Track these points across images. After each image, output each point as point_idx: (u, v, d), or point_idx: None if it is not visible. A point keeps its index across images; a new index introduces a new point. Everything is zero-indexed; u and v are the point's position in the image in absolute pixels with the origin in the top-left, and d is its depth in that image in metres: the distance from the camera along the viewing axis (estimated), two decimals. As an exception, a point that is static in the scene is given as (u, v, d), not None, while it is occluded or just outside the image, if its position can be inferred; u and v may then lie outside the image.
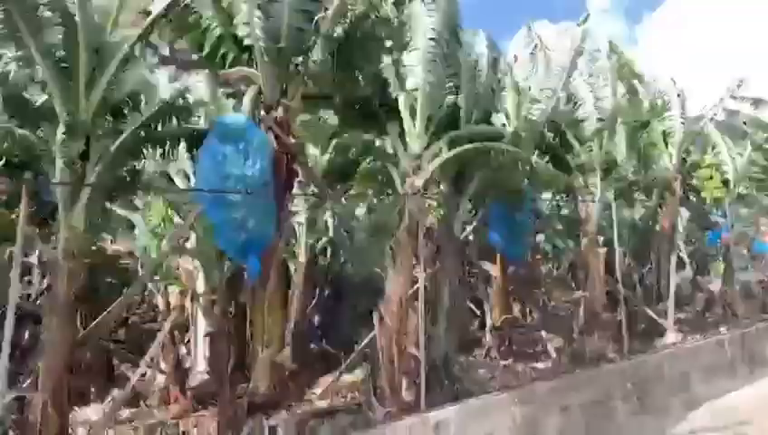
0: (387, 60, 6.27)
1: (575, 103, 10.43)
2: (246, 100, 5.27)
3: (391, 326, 5.75)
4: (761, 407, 8.56)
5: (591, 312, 8.98)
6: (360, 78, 6.19)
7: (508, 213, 9.60)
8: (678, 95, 12.84)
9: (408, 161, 6.36)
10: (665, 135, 12.19)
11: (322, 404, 6.27)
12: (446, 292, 6.92)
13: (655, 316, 9.91)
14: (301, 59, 5.52)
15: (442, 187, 7.52)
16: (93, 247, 7.00)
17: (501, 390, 6.81)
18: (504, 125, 9.84)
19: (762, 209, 17.85)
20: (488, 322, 10.09)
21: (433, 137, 6.72)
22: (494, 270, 10.18)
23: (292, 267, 9.08)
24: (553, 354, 9.64)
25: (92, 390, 7.18)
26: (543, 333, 10.26)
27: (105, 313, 5.61)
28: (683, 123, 11.98)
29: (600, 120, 10.08)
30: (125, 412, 6.54)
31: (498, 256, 10.25)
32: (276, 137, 5.33)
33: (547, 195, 11.30)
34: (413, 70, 6.39)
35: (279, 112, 5.37)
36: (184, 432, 5.87)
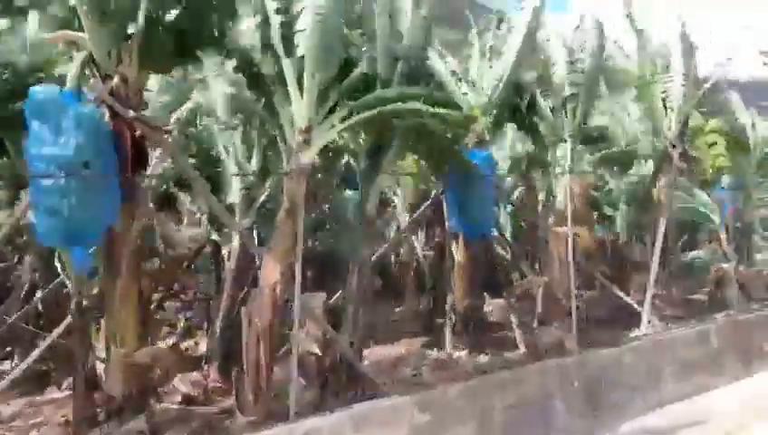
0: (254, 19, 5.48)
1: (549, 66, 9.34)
2: (72, 68, 4.62)
3: (261, 322, 5.08)
4: (748, 408, 7.51)
5: (552, 298, 8.03)
6: (225, 42, 5.42)
7: (465, 189, 8.72)
8: (684, 51, 11.46)
9: (294, 136, 5.59)
10: (664, 99, 10.85)
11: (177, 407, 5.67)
12: (355, 279, 6.17)
13: (632, 302, 8.83)
14: (142, 18, 4.79)
15: (362, 162, 6.71)
16: None
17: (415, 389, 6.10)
18: (465, 94, 8.95)
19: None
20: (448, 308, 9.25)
21: (335, 107, 5.92)
22: (456, 252, 9.31)
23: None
24: (522, 346, 8.76)
25: None
26: (513, 318, 9.34)
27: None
28: (684, 85, 10.61)
29: (573, 84, 8.97)
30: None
31: (461, 236, 9.37)
32: (112, 110, 4.66)
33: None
34: (298, 32, 5.57)
35: (115, 82, 4.68)
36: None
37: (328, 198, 10.10)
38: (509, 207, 11.44)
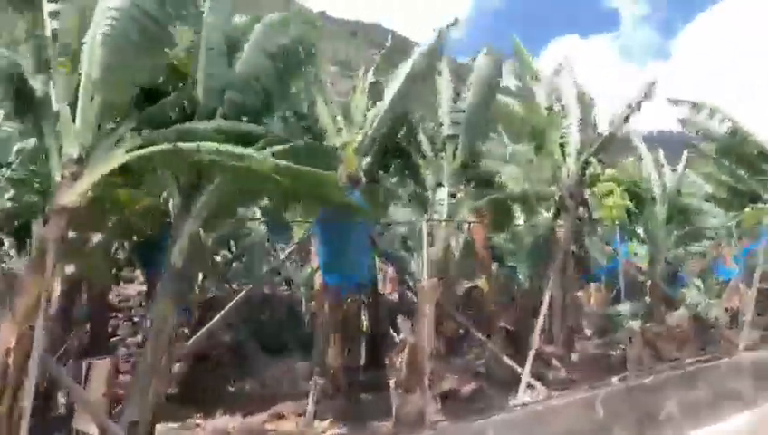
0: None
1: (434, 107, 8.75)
2: None
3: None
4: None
5: (415, 362, 7.07)
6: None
7: (335, 233, 7.83)
8: (580, 98, 11.09)
9: (62, 167, 4.57)
10: (562, 145, 10.37)
11: None
12: (149, 344, 5.08)
13: (515, 365, 7.95)
14: None
15: (175, 203, 5.71)
16: None
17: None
18: (339, 130, 8.19)
19: (725, 232, 16.01)
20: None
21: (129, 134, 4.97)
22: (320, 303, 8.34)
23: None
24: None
25: None
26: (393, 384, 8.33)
27: None
28: (580, 130, 10.17)
29: (455, 123, 8.34)
30: None
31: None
32: None
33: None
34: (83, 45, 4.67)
35: None
36: None
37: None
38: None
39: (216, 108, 5.70)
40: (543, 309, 8.25)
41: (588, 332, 13.13)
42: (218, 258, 12.38)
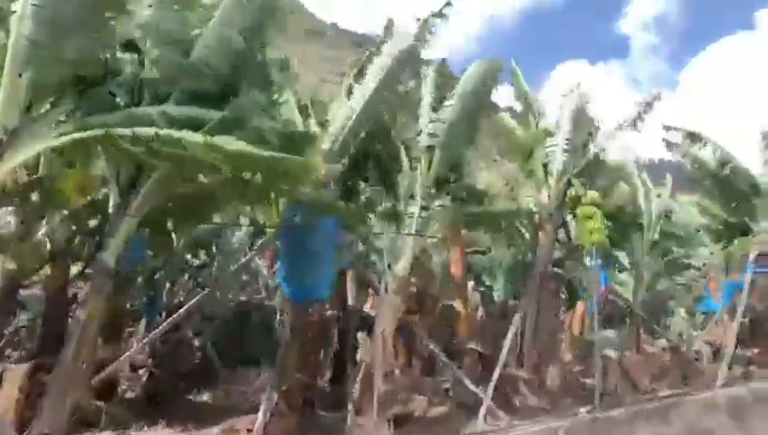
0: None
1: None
2: None
3: None
4: None
5: (367, 382, 6.66)
6: None
7: (298, 242, 7.45)
8: (575, 119, 10.80)
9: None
10: (545, 164, 10.07)
11: None
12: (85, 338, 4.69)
13: (478, 390, 7.53)
14: None
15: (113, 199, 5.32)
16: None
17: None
18: (306, 132, 7.83)
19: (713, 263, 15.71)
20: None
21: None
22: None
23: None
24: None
25: None
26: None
27: None
28: (566, 151, 9.86)
29: (432, 135, 7.99)
30: None
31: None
32: None
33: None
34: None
35: None
36: None
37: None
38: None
39: (170, 93, 5.30)
40: (510, 332, 7.86)
41: (568, 357, 12.70)
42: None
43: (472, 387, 7.49)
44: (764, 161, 13.50)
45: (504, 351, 7.72)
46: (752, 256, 13.51)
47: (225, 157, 4.70)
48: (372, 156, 8.49)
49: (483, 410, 6.96)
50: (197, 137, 4.62)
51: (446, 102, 8.01)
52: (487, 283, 11.32)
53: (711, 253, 15.75)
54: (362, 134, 8.39)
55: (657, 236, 12.37)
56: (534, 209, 9.90)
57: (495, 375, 7.40)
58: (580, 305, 11.86)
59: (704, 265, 16.32)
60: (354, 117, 7.32)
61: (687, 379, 11.61)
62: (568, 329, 13.42)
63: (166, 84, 5.28)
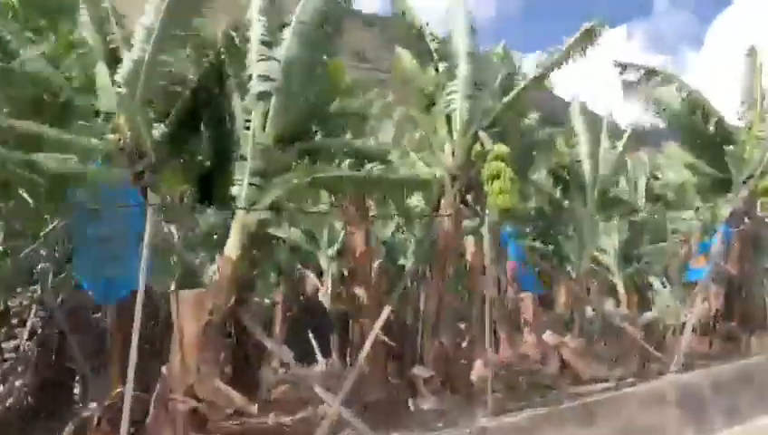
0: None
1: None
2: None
3: None
4: None
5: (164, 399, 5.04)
6: None
7: (90, 225, 5.84)
8: (483, 58, 8.96)
9: None
10: (448, 114, 8.28)
11: None
12: None
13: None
14: None
15: None
16: None
17: None
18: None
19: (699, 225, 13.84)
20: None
21: None
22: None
23: None
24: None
25: None
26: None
27: None
28: (470, 97, 8.06)
29: (266, 78, 6.22)
30: None
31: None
32: None
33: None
34: None
35: None
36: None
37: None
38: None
39: None
40: (378, 324, 6.17)
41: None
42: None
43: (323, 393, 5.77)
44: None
45: (367, 345, 6.02)
46: (724, 215, 11.71)
47: None
48: (206, 111, 6.80)
49: (327, 420, 5.25)
50: None
51: (283, 34, 6.25)
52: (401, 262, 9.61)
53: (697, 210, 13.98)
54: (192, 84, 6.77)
55: (601, 196, 10.45)
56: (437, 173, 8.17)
57: (351, 378, 5.69)
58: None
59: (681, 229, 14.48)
60: (148, 56, 5.63)
61: (649, 361, 9.85)
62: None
63: None
